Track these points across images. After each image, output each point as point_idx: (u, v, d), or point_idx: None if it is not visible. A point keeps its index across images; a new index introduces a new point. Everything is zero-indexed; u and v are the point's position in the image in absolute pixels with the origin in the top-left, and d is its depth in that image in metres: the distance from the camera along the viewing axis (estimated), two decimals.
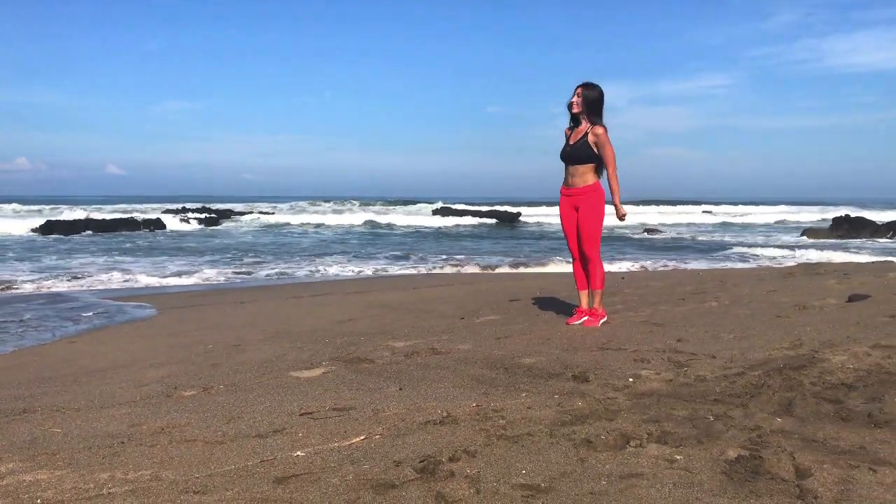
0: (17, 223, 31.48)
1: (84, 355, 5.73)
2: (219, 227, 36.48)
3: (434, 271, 14.70)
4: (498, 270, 14.44)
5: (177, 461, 2.95)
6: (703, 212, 60.49)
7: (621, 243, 24.29)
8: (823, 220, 40.25)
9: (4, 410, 3.99)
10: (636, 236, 30.32)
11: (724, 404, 3.38)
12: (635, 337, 5.18)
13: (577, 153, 5.61)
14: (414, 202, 74.12)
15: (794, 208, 68.31)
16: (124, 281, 13.06)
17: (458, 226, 38.13)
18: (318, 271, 14.75)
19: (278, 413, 3.63)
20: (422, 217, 45.27)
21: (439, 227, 37.07)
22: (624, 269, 13.82)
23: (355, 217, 41.92)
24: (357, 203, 71.90)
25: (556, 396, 3.68)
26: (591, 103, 5.55)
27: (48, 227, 30.32)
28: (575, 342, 5.12)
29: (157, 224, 37.24)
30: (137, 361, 5.32)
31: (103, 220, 35.86)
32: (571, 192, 5.73)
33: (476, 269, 14.74)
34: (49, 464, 2.97)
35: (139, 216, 42.36)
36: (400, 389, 4.00)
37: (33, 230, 29.67)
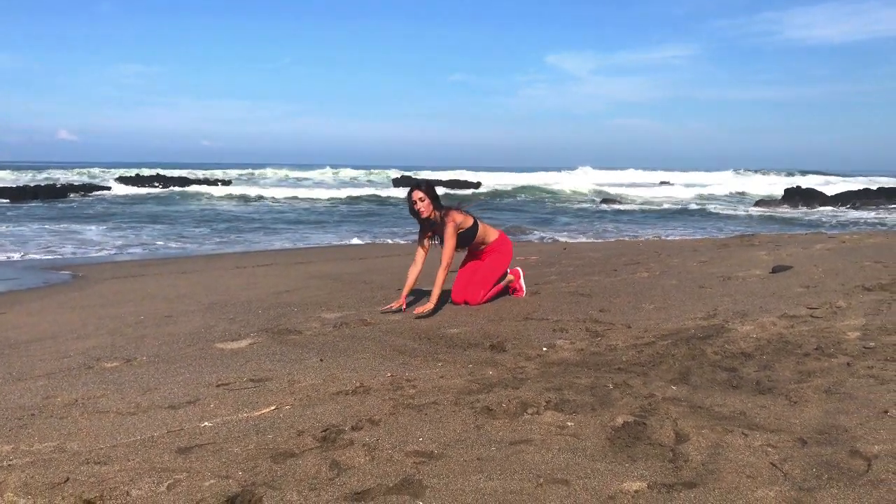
0: None
1: (10, 327, 5.67)
2: (171, 195, 35.83)
3: (385, 242, 14.73)
4: None
5: (84, 433, 2.98)
6: (661, 182, 61.09)
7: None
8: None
9: None
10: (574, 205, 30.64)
11: (627, 373, 3.51)
12: (560, 307, 5.31)
13: (467, 240, 5.58)
14: (376, 170, 73.66)
15: (755, 179, 68.98)
16: (64, 249, 12.86)
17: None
18: (260, 241, 14.66)
19: (195, 384, 3.67)
20: (381, 188, 44.95)
21: (397, 197, 36.86)
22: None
23: (315, 191, 40.90)
24: (316, 171, 71.08)
25: (471, 366, 3.78)
26: (434, 201, 5.46)
27: None
28: (502, 313, 5.23)
29: (105, 190, 36.59)
30: (64, 333, 5.29)
31: (51, 185, 35.18)
32: (482, 251, 5.74)
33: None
34: None
35: (89, 182, 41.58)
36: (321, 360, 4.06)
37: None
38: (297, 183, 52.50)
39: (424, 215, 5.44)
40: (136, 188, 41.39)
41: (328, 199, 33.39)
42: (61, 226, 17.99)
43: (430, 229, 5.55)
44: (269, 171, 68.36)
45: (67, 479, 2.50)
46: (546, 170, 73.74)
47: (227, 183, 48.83)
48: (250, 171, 69.91)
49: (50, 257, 11.91)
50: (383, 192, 39.14)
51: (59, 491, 2.40)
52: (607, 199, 35.30)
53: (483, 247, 5.68)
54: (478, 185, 51.40)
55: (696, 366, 3.55)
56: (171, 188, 42.08)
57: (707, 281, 6.16)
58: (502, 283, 5.82)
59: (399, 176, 56.90)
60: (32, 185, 35.95)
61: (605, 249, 9.86)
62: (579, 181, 53.84)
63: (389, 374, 3.66)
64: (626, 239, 13.64)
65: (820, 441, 2.54)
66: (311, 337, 4.72)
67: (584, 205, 31.99)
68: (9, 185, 34.43)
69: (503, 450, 2.59)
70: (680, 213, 26.35)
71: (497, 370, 3.67)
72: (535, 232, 16.89)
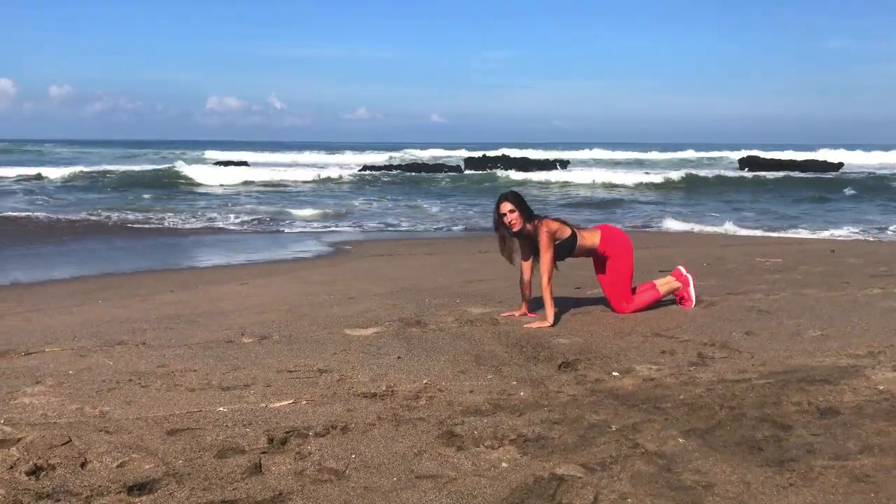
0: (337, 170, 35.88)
1: (232, 297, 6.64)
2: (498, 177, 37.58)
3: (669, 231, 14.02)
4: (737, 232, 13.34)
5: (140, 403, 3.44)
6: None
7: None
8: None
9: (109, 340, 4.87)
10: None
11: (658, 413, 3.04)
12: (710, 325, 4.69)
13: (565, 252, 5.08)
14: (719, 151, 69.44)
15: None
16: (376, 223, 14.43)
17: (758, 177, 34.57)
18: None
19: (273, 368, 4.00)
20: (727, 168, 42.07)
21: (749, 178, 33.80)
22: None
23: (627, 175, 38.01)
24: (652, 153, 69.15)
25: (514, 383, 3.58)
26: (524, 211, 4.97)
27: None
28: (639, 326, 4.78)
29: (455, 172, 39.97)
30: (257, 307, 6.04)
31: (412, 163, 40.59)
32: (597, 257, 5.27)
33: (706, 229, 13.77)
34: (60, 392, 3.65)
35: (442, 162, 45.96)
36: (398, 358, 4.14)
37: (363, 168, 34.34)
38: (614, 165, 51.63)
39: (517, 229, 4.96)
40: (478, 171, 44.47)
41: (633, 185, 31.54)
42: (395, 202, 20.16)
43: (527, 243, 5.09)
44: (598, 153, 68.24)
45: (69, 441, 2.97)
46: None
47: (564, 165, 49.90)
48: (589, 150, 70.52)
49: (344, 229, 13.52)
50: (731, 173, 36.18)
51: (49, 452, 2.85)
52: None
53: (594, 252, 5.19)
54: (839, 166, 45.65)
55: (738, 418, 2.93)
56: (508, 171, 44.35)
57: None
58: (662, 291, 5.28)
59: (745, 156, 52.88)
60: (395, 163, 41.40)
61: (880, 255, 8.24)
62: None
63: (426, 381, 3.63)
64: None
65: None
66: (429, 331, 4.81)
67: None
68: (375, 164, 39.94)
69: (400, 482, 2.47)
70: None
71: (532, 392, 3.42)
72: (832, 228, 14.46)
